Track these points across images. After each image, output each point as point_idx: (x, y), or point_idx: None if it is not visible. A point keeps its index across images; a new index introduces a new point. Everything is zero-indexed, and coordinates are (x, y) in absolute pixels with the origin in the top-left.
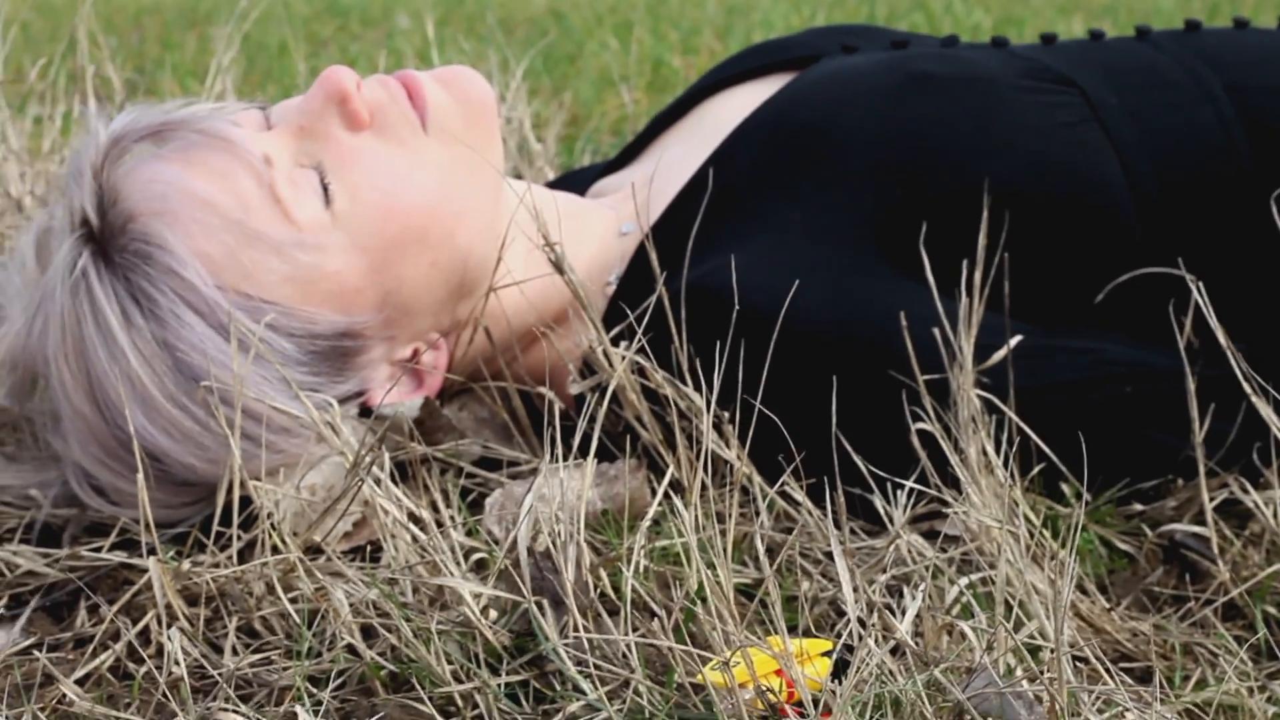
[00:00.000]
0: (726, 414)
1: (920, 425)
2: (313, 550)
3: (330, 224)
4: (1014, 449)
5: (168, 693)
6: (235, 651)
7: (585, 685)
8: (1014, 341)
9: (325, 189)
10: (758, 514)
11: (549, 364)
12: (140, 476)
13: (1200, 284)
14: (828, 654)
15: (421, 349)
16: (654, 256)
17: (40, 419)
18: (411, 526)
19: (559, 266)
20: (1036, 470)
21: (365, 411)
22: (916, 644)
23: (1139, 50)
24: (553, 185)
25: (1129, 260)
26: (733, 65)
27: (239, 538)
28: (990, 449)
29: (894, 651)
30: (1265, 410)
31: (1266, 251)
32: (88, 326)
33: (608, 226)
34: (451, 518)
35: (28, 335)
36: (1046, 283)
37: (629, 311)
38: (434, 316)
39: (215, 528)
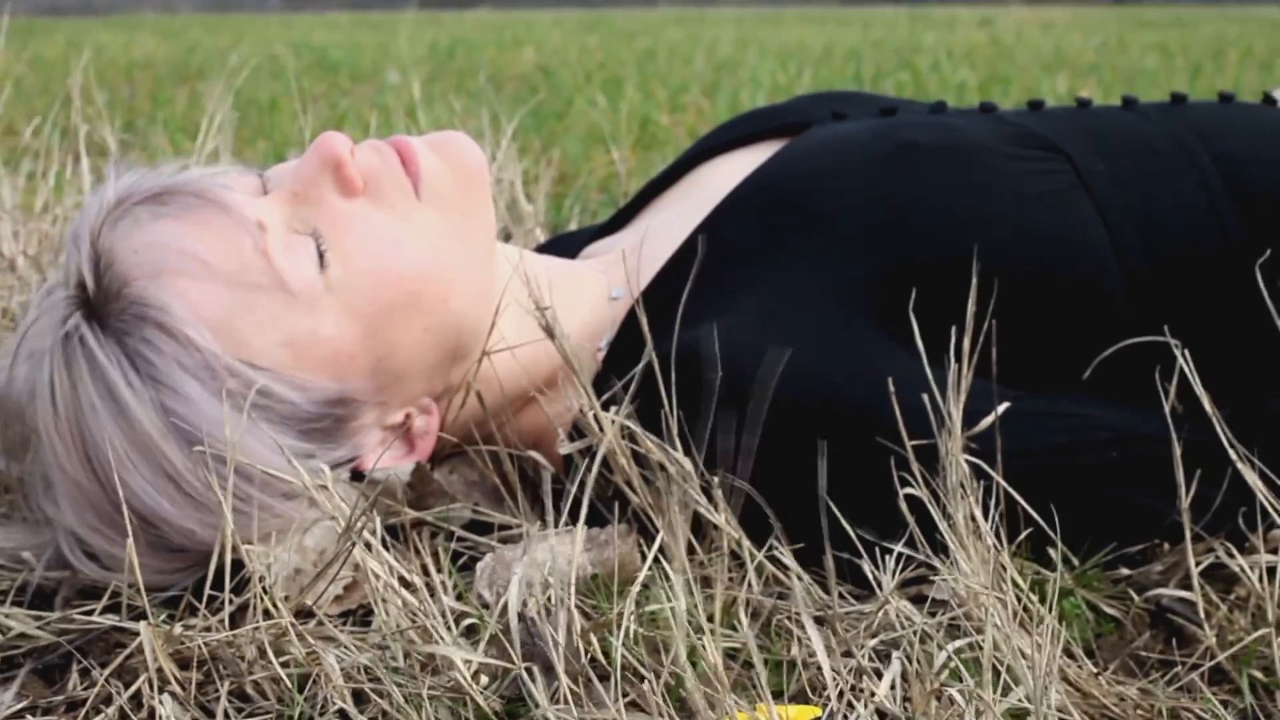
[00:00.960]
0: (715, 479)
1: (909, 490)
2: (304, 614)
3: (324, 290)
4: (1001, 514)
5: None
6: (227, 716)
7: None
8: (1003, 407)
9: (321, 255)
10: (745, 580)
11: (539, 428)
12: (130, 542)
13: (1185, 350)
14: None
15: (413, 414)
16: (644, 322)
17: (31, 481)
18: (403, 591)
19: (550, 331)
20: (1024, 535)
21: (357, 475)
22: (905, 709)
23: (1126, 118)
24: (543, 248)
25: (1115, 327)
26: (724, 132)
27: (230, 601)
28: (978, 514)
29: (882, 717)
30: (1250, 476)
31: (1251, 319)
32: (83, 390)
33: (598, 292)
34: (442, 582)
35: (19, 397)
36: (1033, 348)
37: (617, 378)
38: (427, 381)
39: (207, 591)
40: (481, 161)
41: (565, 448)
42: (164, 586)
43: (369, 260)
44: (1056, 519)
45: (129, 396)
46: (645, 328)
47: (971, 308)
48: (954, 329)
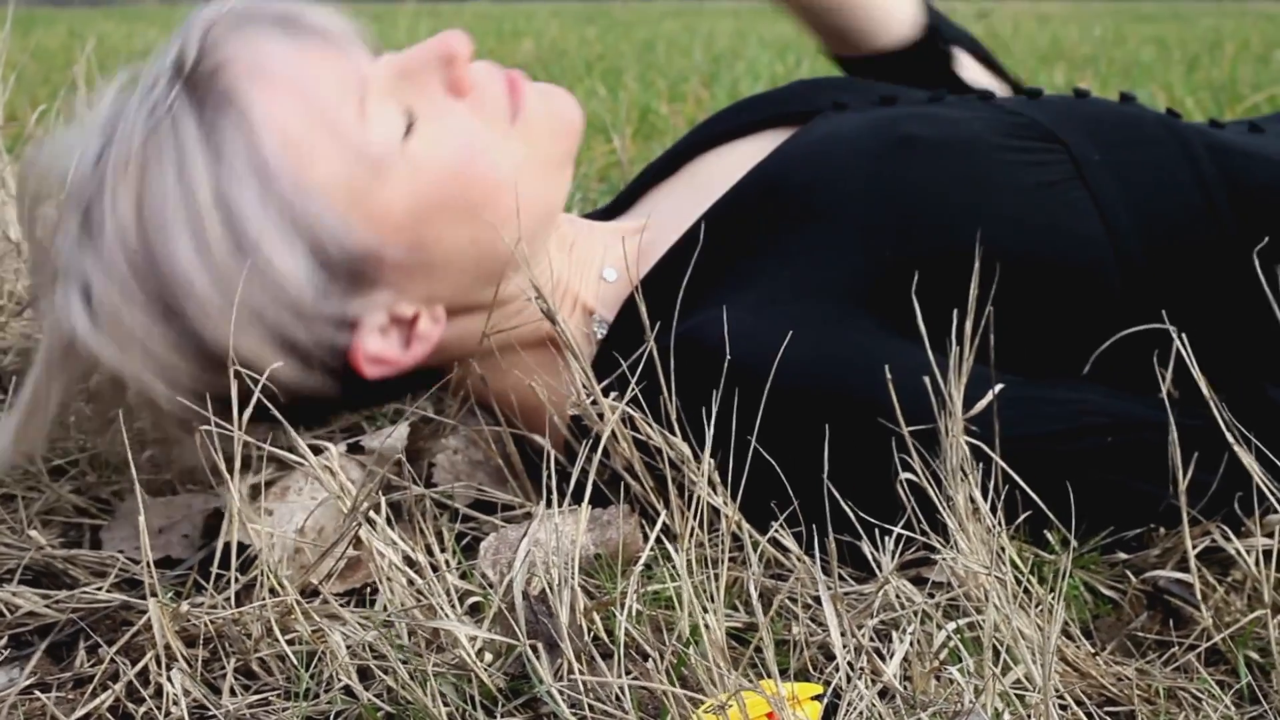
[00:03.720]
0: (714, 462)
1: (908, 476)
2: (309, 593)
3: (399, 155)
4: (1001, 497)
5: None
6: (234, 692)
7: None
8: (998, 388)
9: (409, 126)
10: (745, 561)
11: (538, 403)
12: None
13: (1183, 335)
14: (818, 698)
15: (422, 314)
16: (644, 310)
17: (64, 230)
18: (407, 569)
19: (551, 317)
20: (1023, 518)
21: (355, 448)
22: (905, 688)
23: (1123, 107)
24: None
25: (1112, 316)
26: (727, 120)
27: (236, 580)
28: (978, 496)
29: (883, 695)
30: (1247, 458)
31: (1245, 307)
32: (153, 147)
33: (595, 267)
34: (446, 561)
35: (94, 148)
36: (1031, 337)
37: (620, 360)
38: (450, 289)
39: (214, 569)
40: (579, 122)
41: (572, 411)
42: (147, 384)
43: (449, 152)
44: (1054, 502)
45: (193, 166)
46: (644, 315)
47: (974, 291)
48: (955, 312)
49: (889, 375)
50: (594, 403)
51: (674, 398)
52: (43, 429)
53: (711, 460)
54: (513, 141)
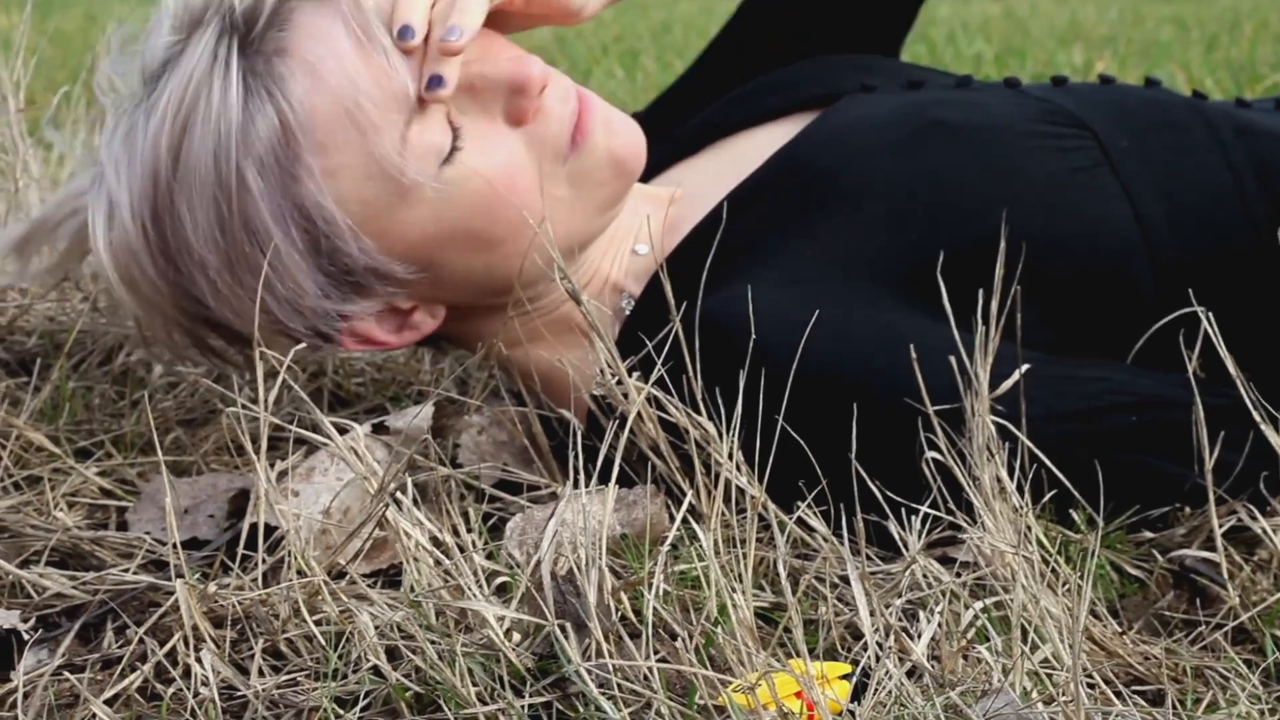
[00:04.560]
0: (738, 442)
1: (934, 454)
2: (336, 573)
3: (431, 182)
4: (1029, 476)
5: (196, 712)
6: (262, 673)
7: (608, 707)
8: (1025, 368)
9: (452, 149)
10: (772, 541)
11: (560, 376)
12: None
13: (1210, 315)
14: (847, 677)
15: (419, 308)
16: (668, 289)
17: (114, 121)
18: (434, 550)
19: (576, 297)
20: (1048, 497)
21: (380, 428)
22: (933, 667)
23: (1149, 93)
24: None
25: (1140, 302)
26: (753, 103)
27: (264, 560)
28: (1004, 475)
29: (911, 674)
30: (1273, 436)
31: (1274, 292)
32: (209, 102)
33: (626, 243)
34: (473, 542)
35: (164, 47)
36: (1058, 322)
37: (645, 339)
38: (453, 298)
39: (241, 550)
40: (638, 165)
41: (597, 389)
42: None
43: (483, 186)
44: (1079, 481)
45: (228, 140)
46: (669, 294)
47: (999, 270)
48: (981, 292)
49: (913, 353)
50: (619, 383)
51: (698, 376)
52: (37, 251)
53: (735, 440)
54: (559, 183)
